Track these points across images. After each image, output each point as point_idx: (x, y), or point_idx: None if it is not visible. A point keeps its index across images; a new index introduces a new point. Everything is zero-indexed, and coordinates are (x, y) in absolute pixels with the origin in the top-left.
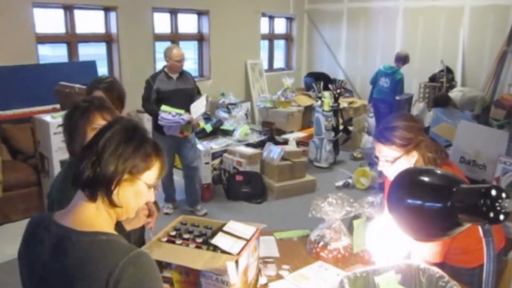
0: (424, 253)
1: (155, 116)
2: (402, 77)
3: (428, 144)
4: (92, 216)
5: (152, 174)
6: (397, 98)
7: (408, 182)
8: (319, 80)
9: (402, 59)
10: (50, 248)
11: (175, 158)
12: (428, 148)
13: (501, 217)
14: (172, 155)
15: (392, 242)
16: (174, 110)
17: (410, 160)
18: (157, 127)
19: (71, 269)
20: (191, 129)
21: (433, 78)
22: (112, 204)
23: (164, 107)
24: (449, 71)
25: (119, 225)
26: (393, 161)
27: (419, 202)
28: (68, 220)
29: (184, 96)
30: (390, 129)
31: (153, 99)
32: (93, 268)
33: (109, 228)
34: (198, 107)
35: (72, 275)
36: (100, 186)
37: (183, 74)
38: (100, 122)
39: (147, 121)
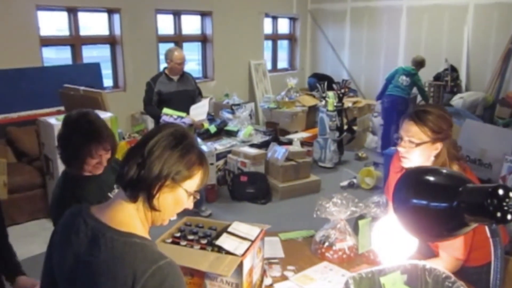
0: (450, 251)
1: (157, 118)
2: (421, 82)
3: (453, 142)
4: (129, 217)
5: (193, 182)
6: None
7: (413, 181)
8: (322, 80)
9: (419, 64)
10: (85, 241)
11: None
12: (454, 146)
13: (509, 217)
14: None
15: (398, 242)
16: (175, 113)
17: (431, 151)
18: None
19: (100, 265)
20: (193, 131)
21: (437, 77)
22: (152, 208)
23: (166, 110)
24: (453, 69)
25: None
26: (418, 143)
27: (424, 202)
28: (105, 216)
29: (186, 97)
30: (427, 112)
31: (155, 102)
32: (121, 269)
33: (144, 232)
34: (199, 111)
35: (100, 272)
36: (143, 188)
37: (184, 75)
38: (100, 152)
39: (150, 123)
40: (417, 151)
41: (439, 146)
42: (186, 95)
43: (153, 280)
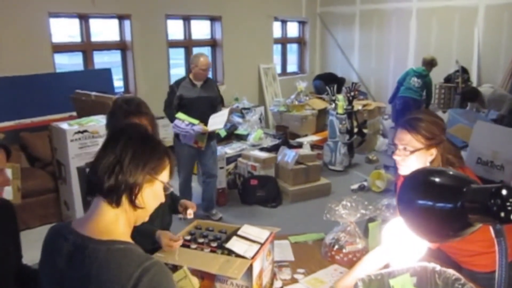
0: None
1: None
2: (431, 83)
3: (447, 146)
4: (110, 224)
5: (166, 173)
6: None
7: (418, 183)
8: (328, 81)
9: (430, 63)
10: (67, 257)
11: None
12: (448, 150)
13: None
14: (192, 162)
15: (408, 244)
16: (188, 119)
17: (426, 157)
18: (178, 134)
19: (87, 277)
20: (205, 140)
21: (448, 79)
22: (136, 207)
23: (179, 115)
24: (464, 71)
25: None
26: (413, 151)
27: (430, 203)
28: (86, 228)
29: (206, 104)
30: (418, 119)
31: (175, 106)
32: (107, 277)
33: (127, 236)
34: (217, 120)
35: (88, 284)
36: (125, 191)
37: (207, 81)
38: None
39: (162, 127)
40: (412, 158)
41: (433, 151)
42: (207, 102)
43: (140, 282)
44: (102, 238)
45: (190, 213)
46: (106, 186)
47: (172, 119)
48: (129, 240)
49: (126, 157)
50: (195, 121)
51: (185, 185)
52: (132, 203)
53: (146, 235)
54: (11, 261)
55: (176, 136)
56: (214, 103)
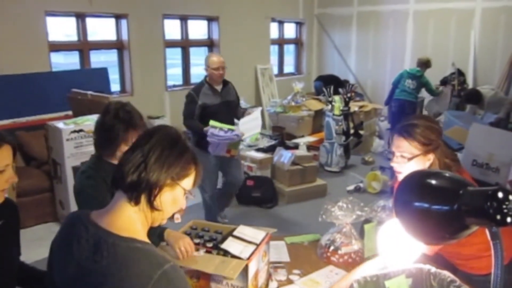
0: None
1: (199, 133)
2: (428, 81)
3: (444, 150)
4: (129, 221)
5: (189, 181)
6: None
7: (415, 185)
8: (329, 83)
9: (425, 64)
10: (87, 248)
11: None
12: (445, 154)
13: (508, 219)
14: (216, 173)
15: (403, 245)
16: (225, 126)
17: (425, 162)
18: (199, 144)
19: (104, 272)
20: (238, 147)
21: (444, 81)
22: (153, 208)
23: (213, 123)
24: (460, 73)
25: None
26: (410, 158)
27: (426, 205)
28: (105, 221)
29: (229, 109)
30: (414, 125)
31: (197, 115)
32: (126, 274)
33: (143, 235)
34: (251, 125)
35: (104, 278)
36: (144, 190)
37: (227, 85)
38: (134, 140)
39: None
40: (410, 165)
41: (431, 156)
42: (229, 107)
43: (159, 285)
44: (122, 234)
45: (177, 218)
46: (128, 182)
47: (197, 129)
48: (147, 239)
49: (152, 157)
50: (233, 127)
51: (213, 200)
52: (150, 203)
53: (153, 233)
54: (14, 259)
55: (198, 146)
56: (234, 107)
